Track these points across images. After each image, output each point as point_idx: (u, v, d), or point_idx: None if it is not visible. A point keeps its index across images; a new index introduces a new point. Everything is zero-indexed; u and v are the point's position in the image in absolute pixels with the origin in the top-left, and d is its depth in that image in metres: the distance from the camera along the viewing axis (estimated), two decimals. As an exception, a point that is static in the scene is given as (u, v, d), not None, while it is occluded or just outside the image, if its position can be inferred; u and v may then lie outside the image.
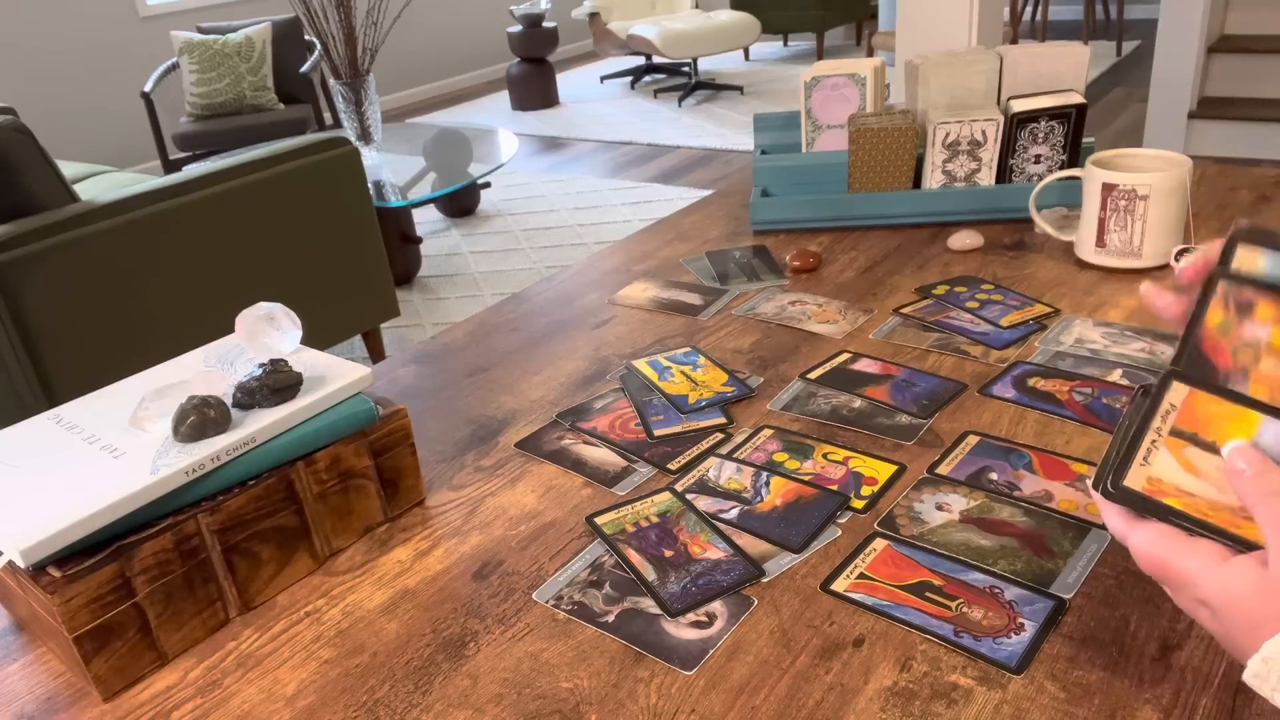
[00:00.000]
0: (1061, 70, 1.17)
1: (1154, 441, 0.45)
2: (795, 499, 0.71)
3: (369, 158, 3.43)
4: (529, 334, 1.02)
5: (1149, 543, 0.44)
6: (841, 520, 0.68)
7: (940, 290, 1.01)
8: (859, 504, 0.70)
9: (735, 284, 1.09)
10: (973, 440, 0.76)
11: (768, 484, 0.73)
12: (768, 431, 0.80)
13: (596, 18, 5.80)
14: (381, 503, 0.72)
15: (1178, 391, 0.45)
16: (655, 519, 0.70)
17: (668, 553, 0.66)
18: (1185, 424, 0.45)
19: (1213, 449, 0.44)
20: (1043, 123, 1.14)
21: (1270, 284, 0.45)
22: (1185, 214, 1.00)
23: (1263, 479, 0.41)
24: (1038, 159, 1.16)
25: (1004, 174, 1.17)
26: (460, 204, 4.04)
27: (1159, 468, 0.45)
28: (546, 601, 0.64)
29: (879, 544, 0.65)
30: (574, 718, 0.54)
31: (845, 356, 0.90)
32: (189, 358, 0.75)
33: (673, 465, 0.77)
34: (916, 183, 1.20)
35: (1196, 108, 3.79)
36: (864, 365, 0.88)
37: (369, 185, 2.73)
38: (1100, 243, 1.01)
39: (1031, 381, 0.83)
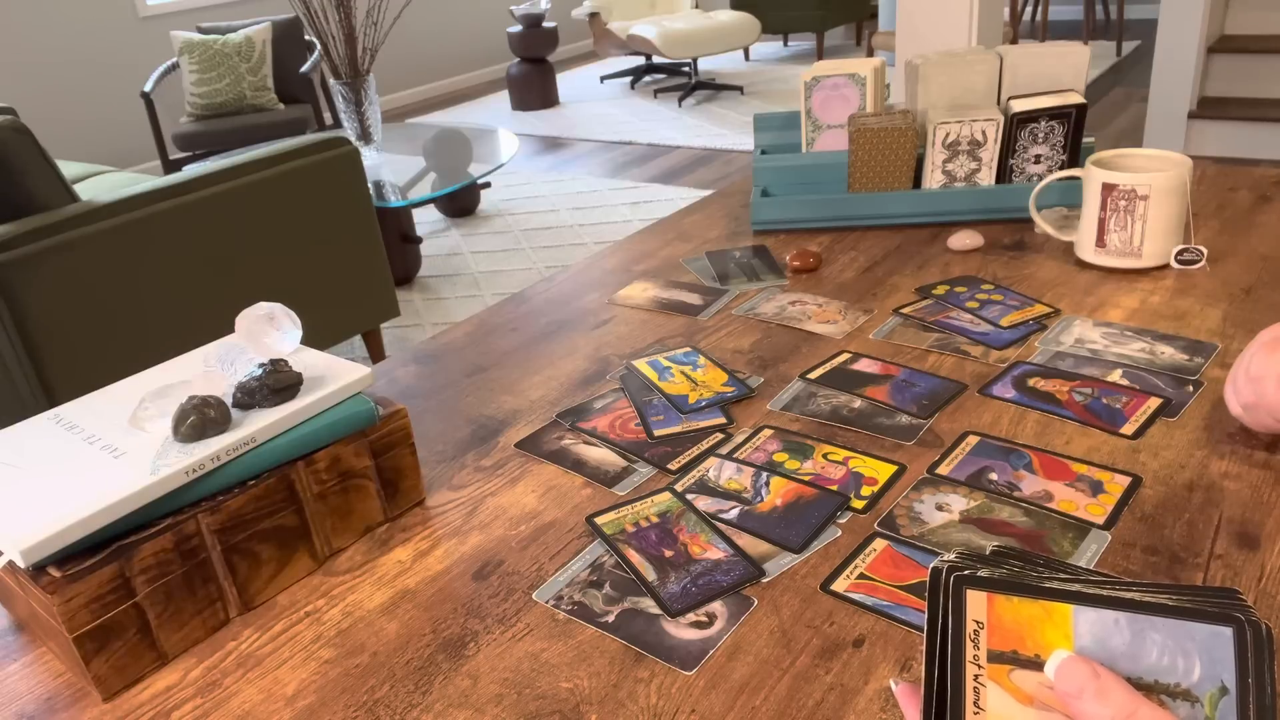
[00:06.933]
0: (1061, 70, 1.17)
1: (978, 678, 0.37)
2: (795, 499, 0.71)
3: (369, 158, 3.43)
4: (529, 334, 1.02)
5: None
6: (841, 520, 0.68)
7: (940, 290, 1.01)
8: (859, 504, 0.70)
9: (735, 284, 1.09)
10: (973, 440, 0.76)
11: (768, 484, 0.73)
12: (768, 431, 0.80)
13: (596, 18, 5.80)
14: (381, 503, 0.72)
15: (977, 602, 0.37)
16: (655, 519, 0.70)
17: (668, 553, 0.66)
18: (999, 642, 0.37)
19: (1037, 665, 0.37)
20: (1043, 123, 1.14)
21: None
22: (1185, 214, 1.00)
23: (1105, 699, 0.34)
24: (1038, 159, 1.16)
25: (1004, 174, 1.17)
26: (460, 204, 4.04)
27: (995, 710, 0.37)
28: (546, 601, 0.64)
29: (879, 544, 0.65)
30: (574, 718, 0.54)
31: (845, 356, 0.90)
32: (189, 358, 0.75)
33: (673, 465, 0.77)
34: (916, 183, 1.20)
35: (1196, 108, 3.79)
36: (864, 365, 0.88)
37: (369, 185, 2.73)
38: (1100, 243, 1.01)
39: (1031, 382, 0.83)
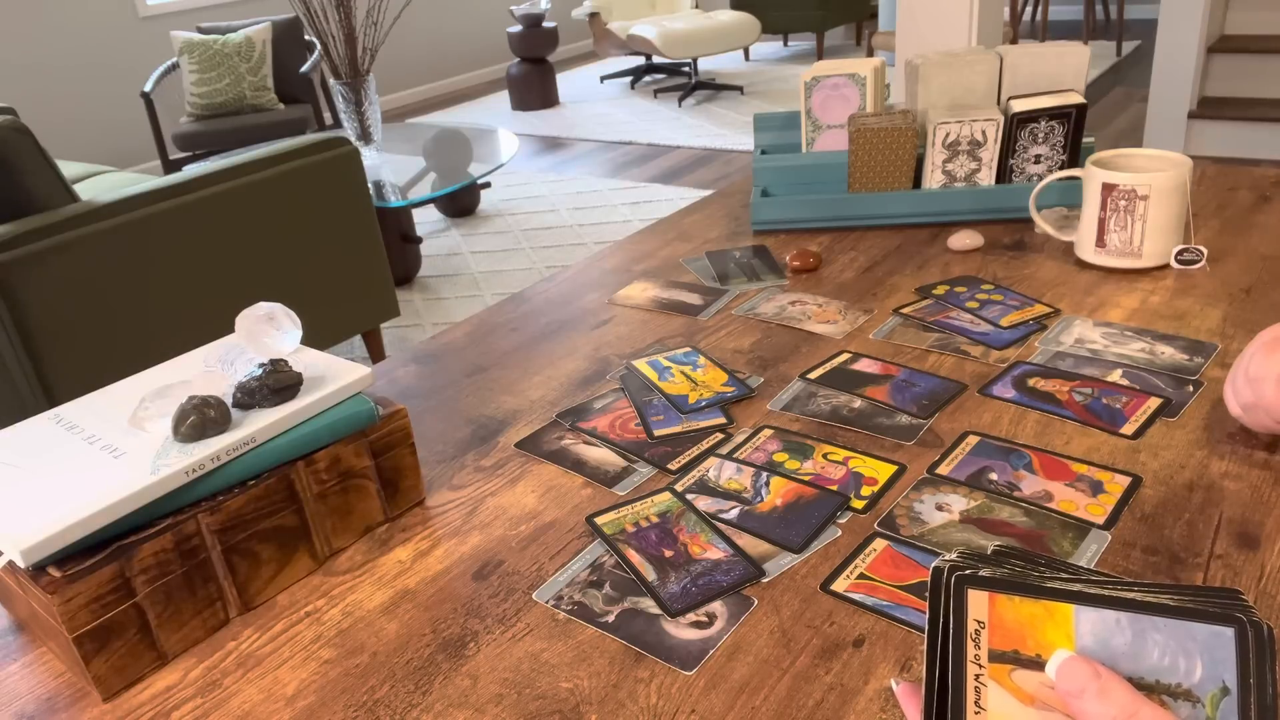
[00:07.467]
0: (1061, 70, 1.17)
1: (979, 677, 0.37)
2: (795, 499, 0.71)
3: (369, 158, 3.43)
4: (529, 334, 1.02)
5: None
6: (841, 520, 0.68)
7: (940, 290, 1.01)
8: (859, 504, 0.70)
9: (735, 284, 1.09)
10: (973, 440, 0.76)
11: (768, 484, 0.73)
12: (768, 431, 0.80)
13: (596, 18, 5.80)
14: (381, 503, 0.72)
15: (978, 601, 0.37)
16: (655, 519, 0.70)
17: (668, 553, 0.66)
18: (1001, 642, 0.37)
19: (1038, 664, 0.36)
20: (1043, 123, 1.14)
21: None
22: (1185, 214, 1.00)
23: (1106, 699, 0.34)
24: (1038, 159, 1.16)
25: (1004, 174, 1.17)
26: (460, 204, 4.04)
27: (996, 710, 0.37)
28: (546, 601, 0.64)
29: (879, 544, 0.65)
30: (574, 718, 0.54)
31: (845, 356, 0.90)
32: (189, 358, 0.75)
33: (673, 465, 0.77)
34: (916, 183, 1.20)
35: (1196, 108, 3.79)
36: (864, 365, 0.88)
37: (369, 185, 2.73)
38: (1100, 243, 1.01)
39: (1031, 382, 0.83)
